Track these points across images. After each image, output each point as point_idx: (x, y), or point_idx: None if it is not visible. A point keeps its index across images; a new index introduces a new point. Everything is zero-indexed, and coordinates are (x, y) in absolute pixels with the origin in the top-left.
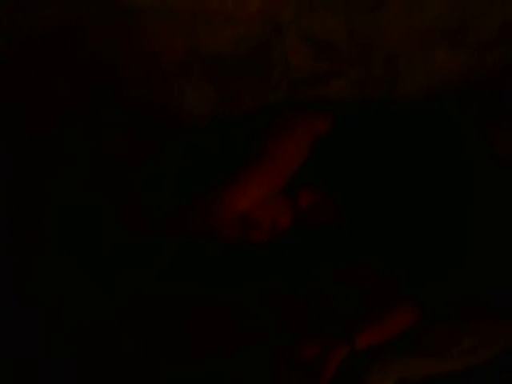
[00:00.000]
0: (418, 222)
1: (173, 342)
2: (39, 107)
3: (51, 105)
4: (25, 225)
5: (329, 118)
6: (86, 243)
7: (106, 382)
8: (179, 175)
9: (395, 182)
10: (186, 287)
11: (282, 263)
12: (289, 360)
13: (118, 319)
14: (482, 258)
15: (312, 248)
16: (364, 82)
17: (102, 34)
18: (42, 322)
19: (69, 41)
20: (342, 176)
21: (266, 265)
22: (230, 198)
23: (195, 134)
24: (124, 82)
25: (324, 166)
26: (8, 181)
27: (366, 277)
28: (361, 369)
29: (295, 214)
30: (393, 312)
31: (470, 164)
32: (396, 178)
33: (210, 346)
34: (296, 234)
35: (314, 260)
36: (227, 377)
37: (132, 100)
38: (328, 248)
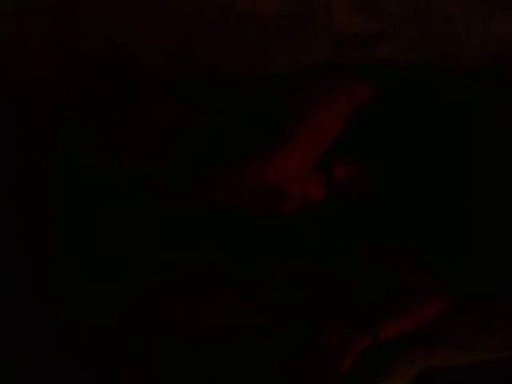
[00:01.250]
0: (450, 200)
1: (184, 327)
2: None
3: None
4: (30, 222)
5: (372, 86)
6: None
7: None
8: (208, 142)
9: (434, 158)
10: (208, 261)
11: (313, 238)
12: (308, 346)
13: (123, 315)
14: None
15: (345, 223)
16: (414, 46)
17: None
18: (45, 322)
19: None
20: (379, 149)
21: (294, 240)
22: (261, 167)
23: (227, 96)
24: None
25: (362, 136)
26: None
27: (400, 257)
28: (384, 356)
29: (329, 186)
30: (424, 300)
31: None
32: (436, 154)
33: (225, 328)
34: (329, 208)
35: (346, 236)
36: (243, 362)
37: (161, 60)
38: (362, 224)
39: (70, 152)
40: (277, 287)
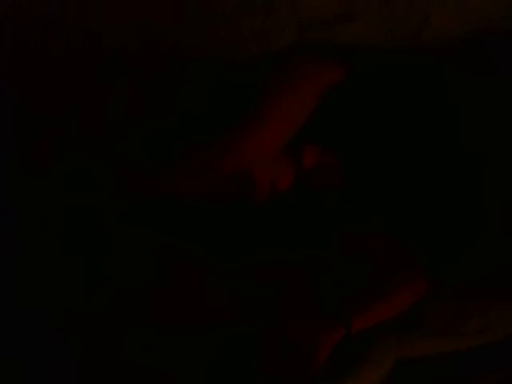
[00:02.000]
0: (429, 186)
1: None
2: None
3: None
4: (28, 221)
5: (341, 68)
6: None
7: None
8: (177, 129)
9: (407, 141)
10: (179, 251)
11: (284, 227)
12: (278, 341)
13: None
14: (498, 234)
15: (316, 211)
16: (385, 24)
17: None
18: (43, 322)
19: None
20: (349, 134)
21: (265, 228)
22: (231, 151)
23: (193, 83)
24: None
25: (333, 122)
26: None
27: (376, 245)
28: (358, 346)
29: (298, 174)
30: (399, 290)
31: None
32: (410, 138)
33: (195, 318)
34: (299, 196)
35: (321, 224)
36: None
37: (124, 45)
38: (334, 212)
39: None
40: (251, 279)
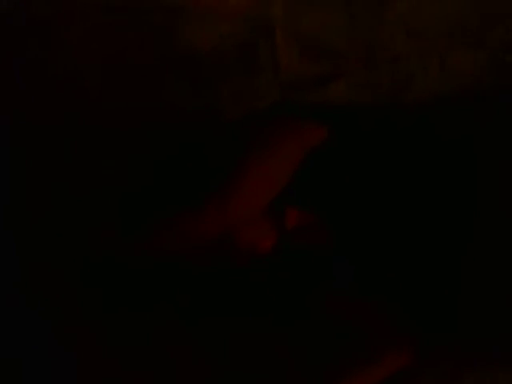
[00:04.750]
0: (417, 251)
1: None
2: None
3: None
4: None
5: (323, 129)
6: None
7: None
8: (153, 194)
9: (394, 205)
10: (156, 319)
11: (264, 291)
12: None
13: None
14: (482, 300)
15: (299, 273)
16: (367, 86)
17: None
18: (44, 323)
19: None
20: (334, 194)
21: (245, 293)
22: (211, 215)
23: (171, 147)
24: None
25: (314, 182)
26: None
27: (359, 309)
28: None
29: (279, 236)
30: (384, 355)
31: (480, 185)
32: (396, 201)
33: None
34: (282, 258)
35: (301, 286)
36: None
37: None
38: (319, 273)
39: None
40: (227, 345)
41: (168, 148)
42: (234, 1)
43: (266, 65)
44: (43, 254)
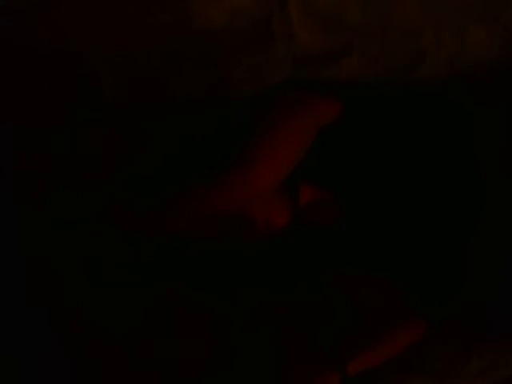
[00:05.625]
0: (425, 226)
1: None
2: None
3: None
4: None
5: (338, 104)
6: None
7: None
8: (168, 169)
9: (404, 180)
10: (167, 291)
11: (277, 267)
12: None
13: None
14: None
15: (311, 250)
16: (381, 61)
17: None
18: (45, 324)
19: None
20: (346, 172)
21: (257, 268)
22: (228, 190)
23: (186, 122)
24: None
25: (328, 158)
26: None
27: (370, 286)
28: None
29: (293, 212)
30: (395, 331)
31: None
32: (407, 177)
33: (189, 363)
34: (294, 234)
35: (313, 264)
36: None
37: (116, 91)
38: (330, 251)
39: None
40: (241, 321)
41: (179, 126)
42: None
43: (279, 39)
44: (44, 250)
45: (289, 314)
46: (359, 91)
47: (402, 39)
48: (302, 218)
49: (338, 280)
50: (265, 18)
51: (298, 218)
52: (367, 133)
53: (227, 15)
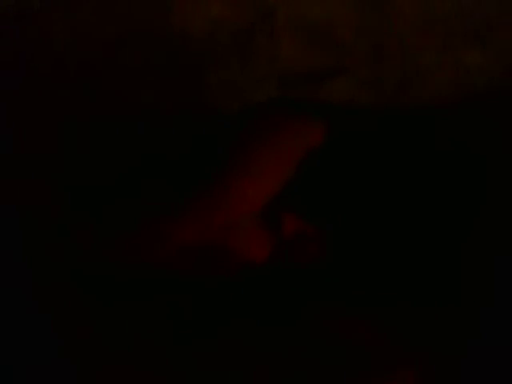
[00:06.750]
0: (417, 260)
1: None
2: None
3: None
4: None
5: (324, 127)
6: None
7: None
8: (132, 191)
9: (395, 210)
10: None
11: (256, 304)
12: None
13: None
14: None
15: (295, 285)
16: (372, 83)
17: None
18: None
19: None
20: (333, 201)
21: (235, 306)
22: (201, 219)
23: (157, 144)
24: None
25: (314, 188)
26: None
27: (359, 325)
28: None
29: (274, 245)
30: (387, 379)
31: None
32: (398, 205)
33: None
34: (275, 269)
35: (296, 299)
36: None
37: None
38: (310, 284)
39: None
40: (213, 362)
41: (155, 142)
42: None
43: (262, 54)
44: (45, 253)
45: (265, 352)
46: (348, 115)
47: (397, 62)
48: (282, 252)
49: (320, 317)
50: (245, 31)
51: (278, 252)
52: (355, 160)
53: (206, 25)
